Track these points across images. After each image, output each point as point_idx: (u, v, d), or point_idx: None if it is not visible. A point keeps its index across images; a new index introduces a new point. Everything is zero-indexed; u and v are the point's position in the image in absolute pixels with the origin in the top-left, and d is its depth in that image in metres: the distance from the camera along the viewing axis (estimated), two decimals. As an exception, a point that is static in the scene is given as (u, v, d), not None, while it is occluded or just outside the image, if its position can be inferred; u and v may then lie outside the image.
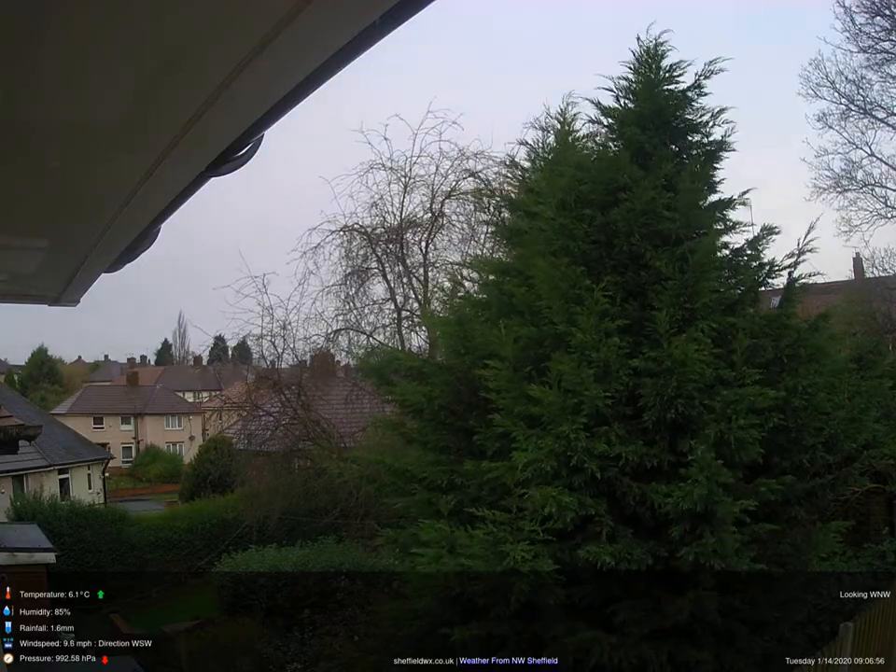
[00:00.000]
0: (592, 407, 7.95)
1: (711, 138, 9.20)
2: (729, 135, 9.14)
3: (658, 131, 8.91)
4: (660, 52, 8.98)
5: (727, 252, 9.24)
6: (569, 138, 10.05)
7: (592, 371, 8.01)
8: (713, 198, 9.25)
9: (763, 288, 9.46)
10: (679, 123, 9.14)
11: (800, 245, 8.95)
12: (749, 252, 9.19)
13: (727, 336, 8.39)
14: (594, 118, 9.58)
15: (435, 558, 8.04)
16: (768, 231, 9.09)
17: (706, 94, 9.11)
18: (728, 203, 9.22)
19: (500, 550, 7.62)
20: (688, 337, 8.01)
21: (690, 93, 9.07)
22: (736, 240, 9.28)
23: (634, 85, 9.15)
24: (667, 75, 9.00)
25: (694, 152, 9.25)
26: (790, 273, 9.12)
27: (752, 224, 9.16)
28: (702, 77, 9.02)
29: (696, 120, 9.17)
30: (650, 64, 9.01)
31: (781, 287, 9.40)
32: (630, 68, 9.12)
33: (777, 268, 9.12)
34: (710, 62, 8.99)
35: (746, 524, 7.66)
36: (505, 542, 7.64)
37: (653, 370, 8.04)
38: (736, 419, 7.78)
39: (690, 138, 9.28)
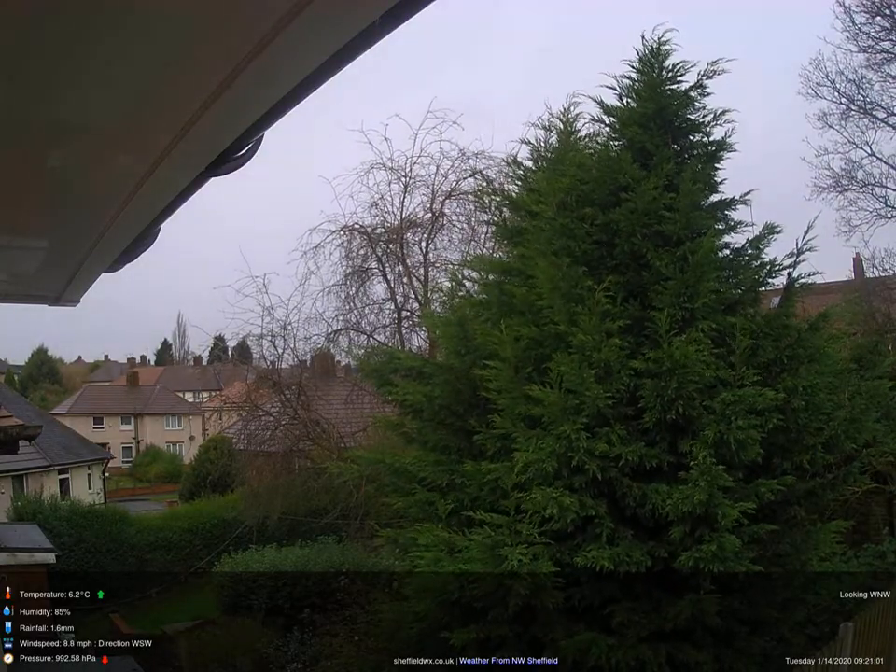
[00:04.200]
0: (593, 407, 7.94)
1: (713, 138, 9.20)
2: (730, 135, 9.14)
3: (660, 130, 8.90)
4: (663, 52, 8.98)
5: (728, 252, 9.24)
6: (571, 138, 10.04)
7: (593, 372, 8.00)
8: (714, 198, 9.25)
9: (763, 288, 9.45)
10: (682, 123, 9.13)
11: (799, 245, 8.94)
12: (749, 252, 9.18)
13: (727, 336, 8.38)
14: (596, 117, 9.58)
15: (434, 561, 8.03)
16: (769, 230, 9.07)
17: (708, 94, 9.11)
18: (729, 203, 9.21)
19: (498, 554, 7.61)
20: (688, 338, 8.00)
21: (692, 93, 9.07)
22: (737, 240, 9.29)
23: (636, 84, 9.14)
24: (670, 74, 9.00)
25: (696, 152, 9.24)
26: (789, 273, 9.11)
27: (753, 224, 9.17)
28: (704, 77, 9.01)
29: (698, 121, 9.16)
30: (652, 64, 9.00)
31: (782, 286, 9.39)
32: (633, 67, 9.13)
33: (777, 268, 9.12)
34: (713, 62, 8.99)
35: (745, 525, 7.65)
36: (503, 546, 7.64)
37: (654, 370, 8.03)
38: (736, 420, 7.77)
39: (691, 138, 9.28)
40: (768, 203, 9.52)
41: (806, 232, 8.91)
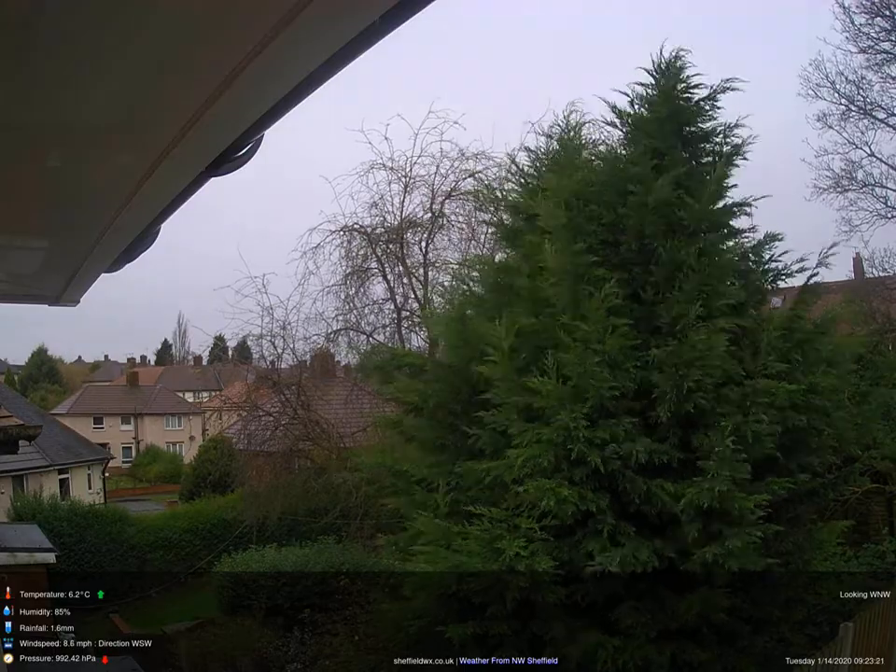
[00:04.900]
0: (597, 397, 7.79)
1: (725, 148, 9.24)
2: (743, 146, 9.18)
3: (672, 136, 8.94)
4: (678, 64, 9.02)
5: (734, 256, 9.27)
6: (575, 143, 10.02)
7: (597, 360, 7.88)
8: (720, 204, 9.27)
9: (770, 288, 9.55)
10: (693, 132, 9.19)
11: (819, 256, 9.10)
12: (752, 257, 9.27)
13: (737, 336, 8.38)
14: (608, 121, 9.62)
15: (433, 555, 8.00)
16: (771, 238, 9.22)
17: (719, 108, 9.20)
18: (741, 206, 9.25)
19: (496, 547, 7.56)
20: (710, 331, 7.96)
21: (704, 104, 9.12)
22: (741, 242, 9.37)
23: (649, 92, 9.16)
24: (683, 85, 9.04)
25: (705, 160, 9.28)
26: (809, 276, 9.20)
27: (755, 227, 9.30)
28: (717, 92, 9.07)
29: (709, 129, 9.21)
30: (667, 74, 9.04)
31: (781, 287, 9.46)
32: (649, 73, 9.15)
33: (783, 273, 9.25)
34: (726, 80, 9.07)
35: (757, 523, 7.57)
36: (501, 539, 7.58)
37: (671, 361, 7.92)
38: (756, 412, 7.71)
39: (702, 146, 9.33)
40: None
41: (830, 248, 9.15)
